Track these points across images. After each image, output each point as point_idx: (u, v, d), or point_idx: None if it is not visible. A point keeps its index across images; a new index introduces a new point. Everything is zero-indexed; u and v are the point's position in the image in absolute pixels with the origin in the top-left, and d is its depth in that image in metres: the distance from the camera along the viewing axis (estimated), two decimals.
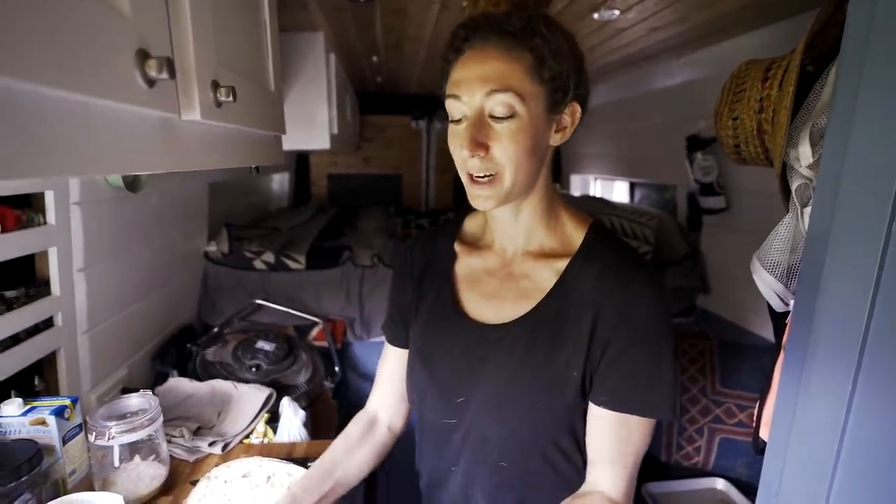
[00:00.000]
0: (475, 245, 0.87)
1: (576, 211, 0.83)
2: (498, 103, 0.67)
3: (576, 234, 0.80)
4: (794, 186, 0.66)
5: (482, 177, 0.71)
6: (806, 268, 0.51)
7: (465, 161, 0.71)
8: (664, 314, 0.73)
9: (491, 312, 0.80)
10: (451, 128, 0.73)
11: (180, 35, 0.55)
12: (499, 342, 0.77)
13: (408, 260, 0.92)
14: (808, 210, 0.63)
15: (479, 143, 0.68)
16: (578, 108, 0.74)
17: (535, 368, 0.75)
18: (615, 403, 0.72)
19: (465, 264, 0.86)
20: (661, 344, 0.72)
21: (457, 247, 0.88)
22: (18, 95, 0.34)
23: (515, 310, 0.78)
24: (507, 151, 0.69)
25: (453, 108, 0.71)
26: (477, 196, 0.73)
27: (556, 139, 0.74)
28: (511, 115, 0.68)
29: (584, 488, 0.75)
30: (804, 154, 0.62)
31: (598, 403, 0.74)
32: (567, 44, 0.71)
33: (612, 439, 0.73)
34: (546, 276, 0.78)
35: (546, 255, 0.80)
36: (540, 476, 0.78)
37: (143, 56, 0.44)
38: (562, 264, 0.77)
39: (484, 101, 0.68)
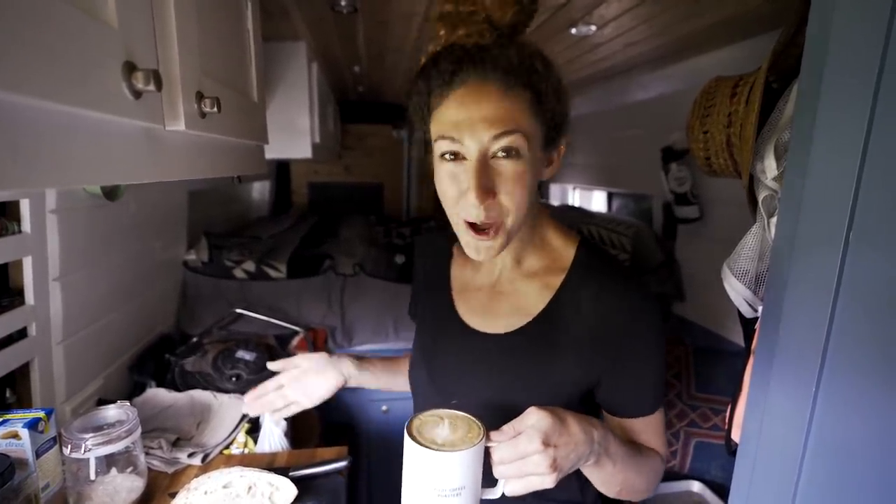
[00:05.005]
0: (467, 258, 0.88)
1: (561, 226, 0.82)
2: (504, 145, 0.64)
3: (565, 251, 0.79)
4: (760, 198, 0.68)
5: (484, 226, 0.67)
6: (772, 275, 0.53)
7: (466, 208, 0.66)
8: (660, 323, 0.75)
9: (483, 323, 0.81)
10: (446, 167, 0.67)
11: (166, 46, 0.56)
12: (494, 352, 0.78)
13: (419, 258, 0.97)
14: (774, 220, 0.65)
15: (489, 190, 0.64)
16: (564, 143, 0.74)
17: (533, 380, 0.76)
18: (631, 413, 0.76)
19: (459, 274, 0.88)
20: (660, 349, 0.76)
21: (455, 250, 0.90)
22: (5, 106, 0.34)
23: (509, 323, 0.78)
24: (513, 196, 0.65)
25: (447, 147, 0.66)
26: (477, 248, 0.69)
27: (546, 174, 0.73)
28: (516, 156, 0.64)
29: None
30: (769, 167, 0.65)
31: (614, 414, 0.77)
32: (560, 81, 0.70)
33: (640, 434, 0.78)
34: (538, 292, 0.78)
35: (536, 272, 0.79)
36: None
37: (130, 68, 0.45)
38: (554, 280, 0.77)
39: (490, 144, 0.64)
